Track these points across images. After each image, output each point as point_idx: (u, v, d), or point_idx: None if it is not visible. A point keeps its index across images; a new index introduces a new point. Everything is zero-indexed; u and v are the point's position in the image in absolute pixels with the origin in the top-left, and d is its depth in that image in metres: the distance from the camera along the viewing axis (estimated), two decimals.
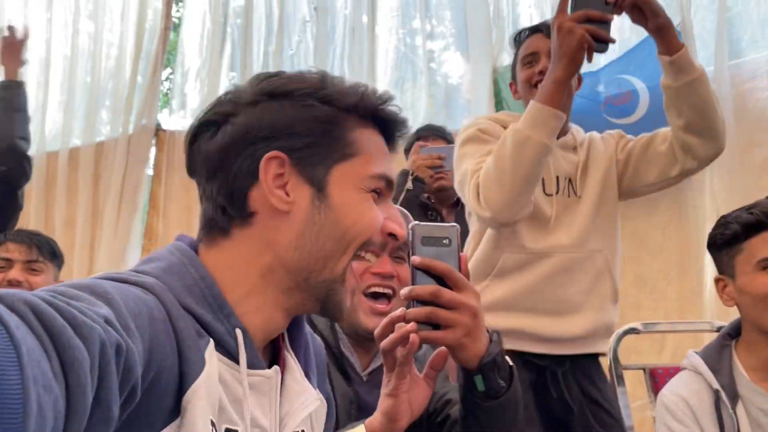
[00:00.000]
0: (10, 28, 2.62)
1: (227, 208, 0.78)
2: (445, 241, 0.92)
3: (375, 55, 4.33)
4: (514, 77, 2.01)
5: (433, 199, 2.63)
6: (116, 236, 4.26)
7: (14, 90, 2.49)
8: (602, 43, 1.63)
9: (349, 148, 0.80)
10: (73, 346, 0.51)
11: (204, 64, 4.47)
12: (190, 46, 4.65)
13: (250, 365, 0.76)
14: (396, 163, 3.14)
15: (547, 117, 1.64)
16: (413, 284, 0.91)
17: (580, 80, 1.93)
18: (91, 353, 0.53)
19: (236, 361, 0.75)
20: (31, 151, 4.57)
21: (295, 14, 4.37)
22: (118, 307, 0.60)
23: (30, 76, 4.86)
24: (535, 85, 1.84)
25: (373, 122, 0.83)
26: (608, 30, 1.63)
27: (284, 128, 0.77)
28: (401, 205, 2.48)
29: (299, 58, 4.33)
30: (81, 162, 4.48)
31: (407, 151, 2.77)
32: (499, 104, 3.82)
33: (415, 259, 0.92)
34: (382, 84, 4.37)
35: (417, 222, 0.96)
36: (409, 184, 2.52)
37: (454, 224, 0.97)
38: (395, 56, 4.36)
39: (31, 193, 4.42)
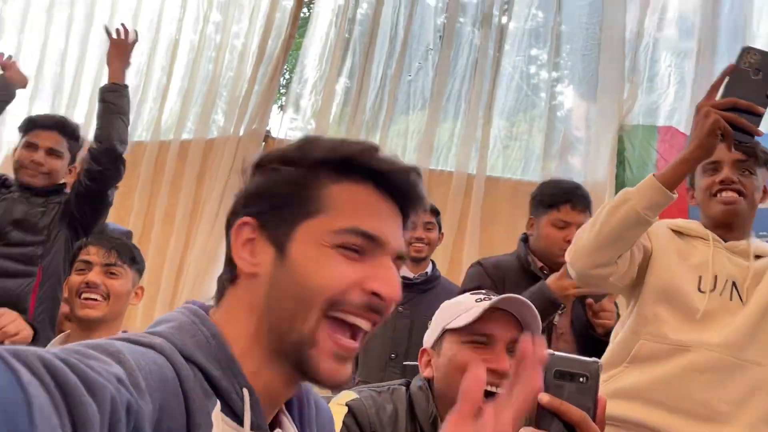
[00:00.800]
0: (119, 31, 2.63)
1: (225, 267, 0.84)
2: (582, 379, 0.81)
3: (495, 90, 4.17)
4: (692, 183, 1.93)
5: (546, 271, 2.42)
6: (212, 234, 4.32)
7: (118, 93, 2.51)
8: (746, 134, 1.52)
9: (314, 204, 0.79)
10: (85, 403, 0.52)
11: (321, 77, 4.46)
12: (311, 56, 4.66)
13: (256, 426, 0.76)
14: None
15: (652, 190, 1.63)
16: (537, 425, 0.80)
17: (765, 191, 1.83)
18: (102, 412, 0.54)
19: (241, 423, 0.75)
20: (146, 138, 4.79)
21: (419, 40, 4.28)
22: (129, 366, 0.62)
23: (156, 62, 5.04)
24: (715, 195, 1.79)
25: (363, 177, 0.81)
26: (757, 123, 1.53)
27: (255, 194, 0.83)
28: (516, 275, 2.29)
29: (417, 85, 4.24)
30: (190, 156, 4.58)
31: (548, 206, 2.37)
32: (620, 164, 3.58)
33: (543, 397, 0.80)
34: (498, 119, 4.21)
35: (553, 351, 0.82)
36: (557, 319, 2.24)
37: (596, 360, 0.83)
38: (516, 94, 4.19)
39: (138, 180, 4.57)
